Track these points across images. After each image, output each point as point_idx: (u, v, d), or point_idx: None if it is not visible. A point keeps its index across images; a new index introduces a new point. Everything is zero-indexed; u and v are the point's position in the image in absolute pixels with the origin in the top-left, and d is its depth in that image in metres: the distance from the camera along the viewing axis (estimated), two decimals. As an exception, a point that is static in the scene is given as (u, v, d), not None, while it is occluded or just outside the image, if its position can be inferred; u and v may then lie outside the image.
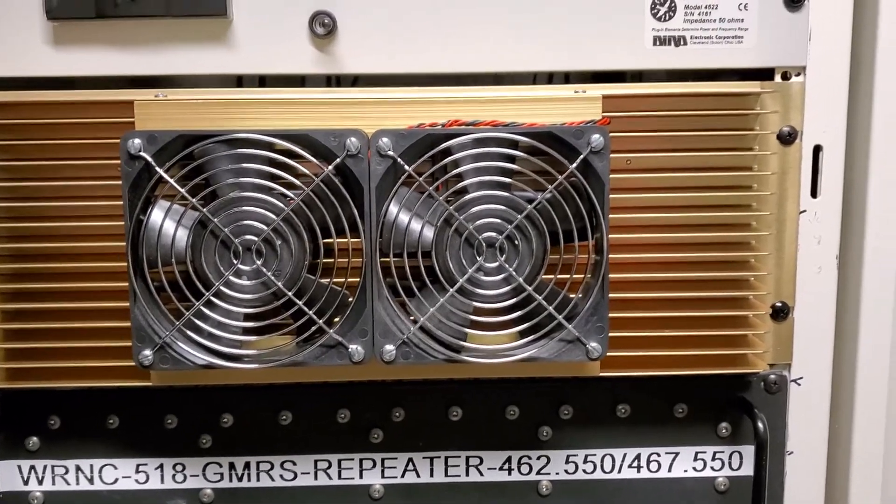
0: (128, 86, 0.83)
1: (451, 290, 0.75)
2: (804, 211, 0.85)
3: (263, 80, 0.86)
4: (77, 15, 0.81)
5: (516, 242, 0.76)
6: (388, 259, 0.76)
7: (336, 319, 0.77)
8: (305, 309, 0.74)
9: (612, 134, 0.77)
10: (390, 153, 0.74)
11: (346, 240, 0.75)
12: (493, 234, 0.75)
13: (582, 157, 0.74)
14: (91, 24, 0.82)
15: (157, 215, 0.75)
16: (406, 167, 0.74)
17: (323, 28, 0.82)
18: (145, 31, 0.82)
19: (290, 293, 0.74)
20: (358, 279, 0.76)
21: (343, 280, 0.77)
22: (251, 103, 0.79)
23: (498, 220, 0.75)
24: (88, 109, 0.80)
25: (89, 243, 0.81)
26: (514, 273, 0.75)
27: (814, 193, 0.85)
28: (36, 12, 0.81)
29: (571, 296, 0.78)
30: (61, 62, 0.82)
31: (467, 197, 0.75)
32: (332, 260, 0.77)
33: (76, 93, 0.82)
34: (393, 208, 0.76)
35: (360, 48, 0.83)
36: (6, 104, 0.80)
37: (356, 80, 0.86)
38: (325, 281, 0.76)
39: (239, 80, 0.86)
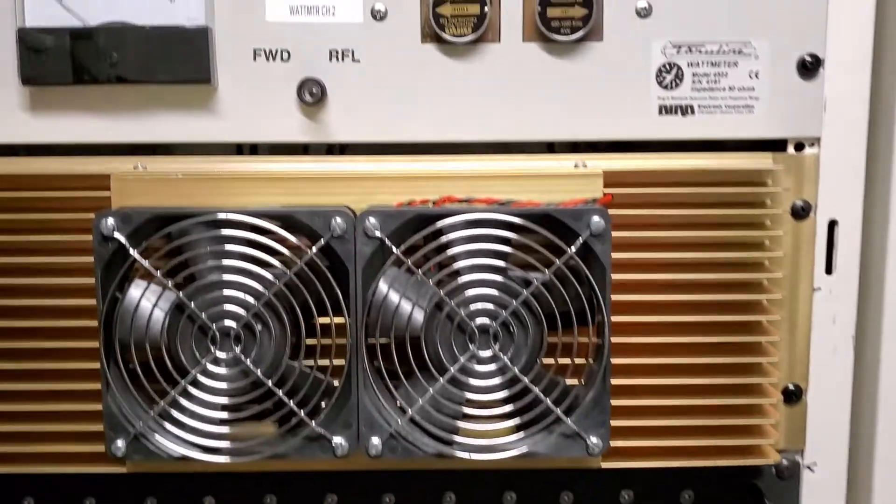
0: (108, 153, 0.78)
1: (442, 380, 0.69)
2: (818, 288, 0.79)
3: (255, 146, 0.81)
4: (54, 81, 0.76)
5: (512, 329, 0.70)
6: (375, 342, 0.70)
7: (322, 404, 0.71)
8: (286, 400, 0.68)
9: (613, 211, 0.72)
10: (378, 234, 0.69)
11: (329, 322, 0.69)
12: (487, 320, 0.70)
13: (581, 240, 0.69)
14: (69, 89, 0.77)
15: (132, 295, 0.70)
16: (394, 249, 0.69)
17: (311, 96, 0.76)
18: (126, 97, 0.77)
19: (269, 383, 0.68)
20: (343, 361, 0.71)
21: (328, 364, 0.71)
22: (233, 178, 0.74)
23: (492, 306, 0.70)
24: (63, 182, 0.75)
25: (63, 321, 0.75)
26: (508, 363, 0.69)
27: (828, 270, 0.79)
28: (11, 76, 0.76)
29: (572, 382, 0.72)
30: (37, 128, 0.77)
31: (460, 280, 0.69)
32: (316, 342, 0.71)
33: (51, 160, 0.77)
34: (381, 290, 0.70)
35: (350, 116, 0.77)
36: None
37: (347, 147, 0.81)
38: (308, 365, 0.70)
39: (236, 147, 0.81)
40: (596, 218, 0.69)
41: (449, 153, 0.78)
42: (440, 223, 0.69)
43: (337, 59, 0.77)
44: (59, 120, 0.77)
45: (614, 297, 0.72)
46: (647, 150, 0.79)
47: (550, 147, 0.80)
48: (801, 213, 0.78)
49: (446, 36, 0.76)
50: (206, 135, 0.78)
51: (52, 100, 0.77)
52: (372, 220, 0.69)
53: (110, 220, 0.68)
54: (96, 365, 0.73)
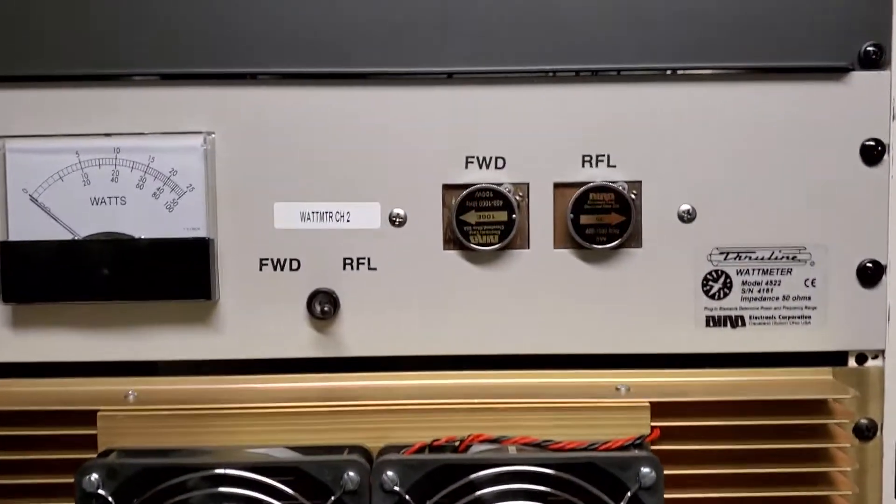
0: (96, 372, 0.69)
1: None
2: (888, 515, 0.68)
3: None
4: (38, 298, 0.67)
5: None
6: None
7: None
8: None
9: (660, 447, 0.62)
10: (397, 489, 0.59)
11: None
12: (524, 588, 0.59)
13: (630, 494, 0.58)
14: (55, 306, 0.67)
15: (118, 557, 0.59)
16: (416, 509, 0.58)
17: (323, 309, 0.67)
18: (117, 315, 0.68)
19: None
20: None
21: None
22: (233, 415, 0.64)
23: (529, 572, 0.59)
24: (45, 419, 0.64)
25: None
26: None
27: (899, 494, 0.68)
28: (-9, 292, 0.67)
29: None
30: (18, 348, 0.68)
31: (492, 542, 0.59)
32: None
33: (33, 383, 0.68)
34: (401, 550, 0.59)
35: (365, 329, 0.68)
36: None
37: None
38: None
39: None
40: (646, 469, 0.58)
41: (473, 368, 0.68)
42: (469, 477, 0.58)
43: (351, 267, 0.68)
44: (42, 338, 0.68)
45: (664, 542, 0.62)
46: (691, 363, 0.69)
47: (585, 361, 0.70)
48: (866, 432, 0.68)
49: (471, 244, 0.67)
50: (205, 352, 0.68)
51: (35, 317, 0.68)
52: (390, 473, 0.59)
53: (94, 476, 0.58)
54: None
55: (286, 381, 0.68)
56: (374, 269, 0.68)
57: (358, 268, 0.68)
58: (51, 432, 0.64)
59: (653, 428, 0.63)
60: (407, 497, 0.58)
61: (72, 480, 0.61)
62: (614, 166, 0.67)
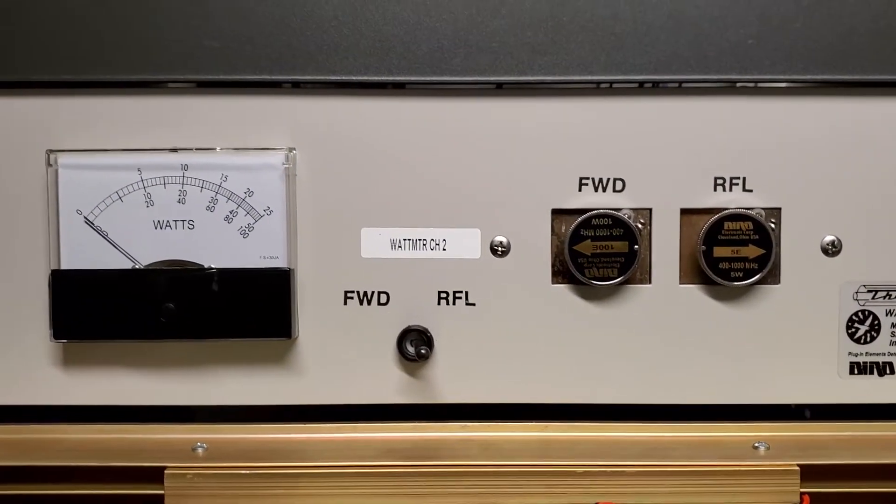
0: (160, 418, 0.59)
1: None
2: None
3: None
4: (93, 335, 0.56)
5: None
6: None
7: None
8: None
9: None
10: (518, 571, 0.48)
11: None
12: None
13: (792, 582, 0.48)
14: (112, 345, 0.57)
15: None
16: None
17: (419, 350, 0.57)
18: (182, 354, 0.58)
19: None
20: None
21: None
22: (319, 475, 0.53)
23: None
24: (104, 475, 0.54)
25: None
26: None
27: None
28: (41, 327, 0.57)
29: None
30: (72, 391, 0.58)
31: None
32: None
33: (88, 430, 0.58)
34: None
35: (462, 373, 0.58)
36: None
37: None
38: None
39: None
40: (808, 553, 0.48)
41: (586, 419, 0.58)
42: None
43: (447, 302, 0.58)
44: (98, 380, 0.58)
45: None
46: (830, 415, 0.59)
47: (715, 412, 0.59)
48: None
49: (586, 278, 0.56)
50: (282, 397, 0.58)
51: (89, 356, 0.58)
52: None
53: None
54: None
55: (373, 431, 0.58)
56: (473, 304, 0.58)
57: (454, 303, 0.58)
58: (110, 491, 0.54)
59: (802, 495, 0.53)
60: (530, 581, 0.48)
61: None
62: (750, 190, 0.57)
